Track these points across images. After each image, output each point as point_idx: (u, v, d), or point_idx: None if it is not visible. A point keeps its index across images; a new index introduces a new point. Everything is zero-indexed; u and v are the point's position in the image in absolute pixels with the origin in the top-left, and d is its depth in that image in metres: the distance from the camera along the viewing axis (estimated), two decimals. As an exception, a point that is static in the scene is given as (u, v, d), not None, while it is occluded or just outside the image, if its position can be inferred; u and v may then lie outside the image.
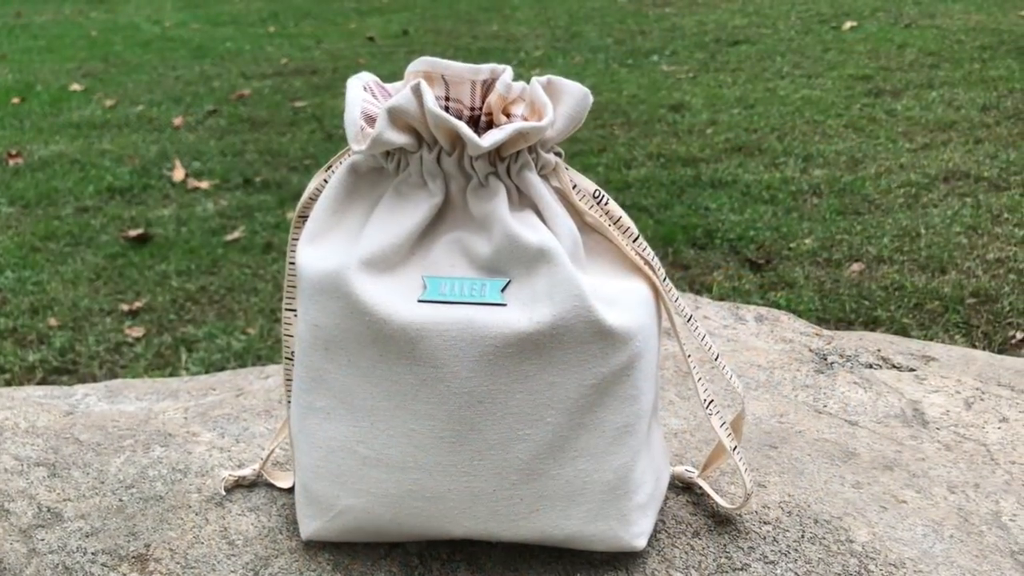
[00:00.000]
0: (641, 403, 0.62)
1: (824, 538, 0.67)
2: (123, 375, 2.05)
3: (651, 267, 0.64)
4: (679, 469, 0.73)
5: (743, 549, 0.66)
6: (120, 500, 0.74)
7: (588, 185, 0.64)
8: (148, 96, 4.49)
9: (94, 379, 2.04)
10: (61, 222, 2.93)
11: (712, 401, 0.67)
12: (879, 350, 1.01)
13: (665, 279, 0.65)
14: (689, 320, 0.66)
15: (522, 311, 0.59)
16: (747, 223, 2.65)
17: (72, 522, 0.72)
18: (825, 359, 0.98)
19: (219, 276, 2.53)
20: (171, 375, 2.03)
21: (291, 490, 0.73)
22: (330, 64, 5.03)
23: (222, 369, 2.08)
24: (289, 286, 0.68)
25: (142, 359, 2.14)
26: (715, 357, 0.68)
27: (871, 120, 3.49)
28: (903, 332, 2.03)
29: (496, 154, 0.61)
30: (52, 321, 2.30)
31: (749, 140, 3.37)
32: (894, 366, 0.97)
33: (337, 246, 0.63)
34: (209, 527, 0.70)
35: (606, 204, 0.64)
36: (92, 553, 0.68)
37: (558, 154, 0.64)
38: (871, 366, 0.97)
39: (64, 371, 2.11)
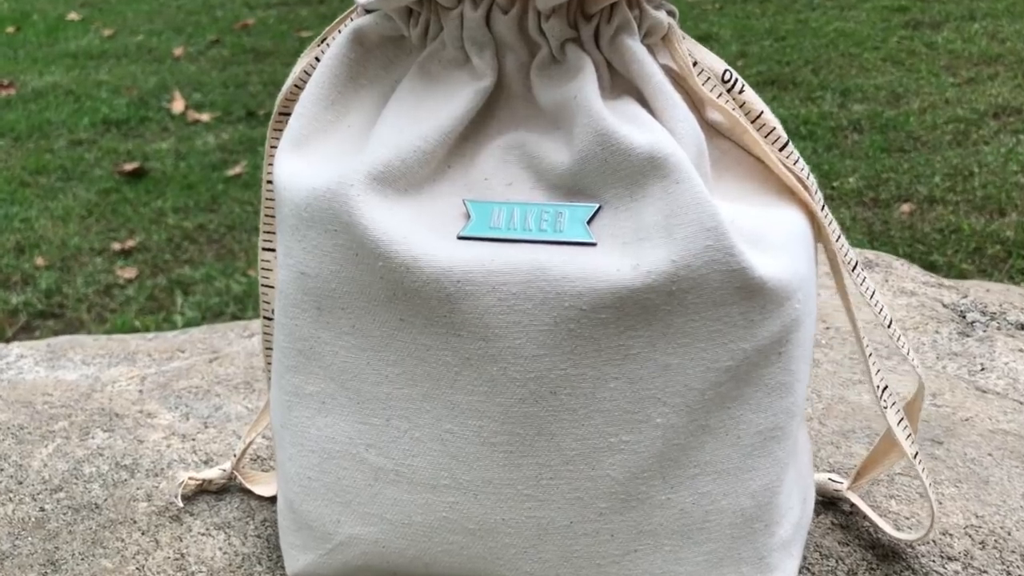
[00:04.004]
0: (796, 394, 0.41)
1: (1042, 586, 0.47)
2: (113, 320, 1.91)
3: (806, 188, 0.43)
4: (821, 477, 0.52)
5: (925, 601, 0.46)
6: (41, 510, 0.54)
7: (715, 63, 0.42)
8: (148, 26, 4.34)
9: (81, 324, 1.90)
10: (53, 155, 2.80)
11: (887, 388, 0.46)
12: (1015, 304, 0.80)
13: (824, 207, 0.44)
14: (855, 269, 0.45)
15: (623, 255, 0.38)
16: (786, 161, 2.46)
17: (-28, 542, 0.52)
18: (964, 317, 0.76)
19: (219, 214, 2.36)
20: (165, 320, 1.89)
21: (275, 499, 0.53)
22: (339, -8, 4.80)
23: (220, 314, 1.91)
24: (267, 216, 0.47)
25: (134, 302, 1.98)
26: (888, 323, 0.46)
27: (911, 53, 3.30)
28: (962, 278, 1.85)
29: (579, 8, 0.40)
30: (39, 260, 2.16)
31: (782, 73, 3.18)
32: (1052, 327, 0.76)
33: (335, 154, 0.42)
34: (159, 553, 0.50)
35: (740, 92, 0.43)
36: (-6, 591, 0.48)
37: (671, 13, 0.42)
38: (1024, 327, 0.76)
39: (49, 315, 1.97)
